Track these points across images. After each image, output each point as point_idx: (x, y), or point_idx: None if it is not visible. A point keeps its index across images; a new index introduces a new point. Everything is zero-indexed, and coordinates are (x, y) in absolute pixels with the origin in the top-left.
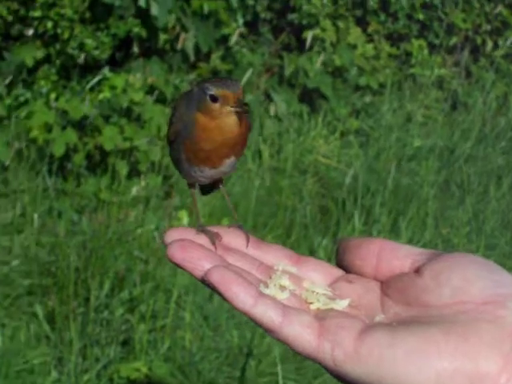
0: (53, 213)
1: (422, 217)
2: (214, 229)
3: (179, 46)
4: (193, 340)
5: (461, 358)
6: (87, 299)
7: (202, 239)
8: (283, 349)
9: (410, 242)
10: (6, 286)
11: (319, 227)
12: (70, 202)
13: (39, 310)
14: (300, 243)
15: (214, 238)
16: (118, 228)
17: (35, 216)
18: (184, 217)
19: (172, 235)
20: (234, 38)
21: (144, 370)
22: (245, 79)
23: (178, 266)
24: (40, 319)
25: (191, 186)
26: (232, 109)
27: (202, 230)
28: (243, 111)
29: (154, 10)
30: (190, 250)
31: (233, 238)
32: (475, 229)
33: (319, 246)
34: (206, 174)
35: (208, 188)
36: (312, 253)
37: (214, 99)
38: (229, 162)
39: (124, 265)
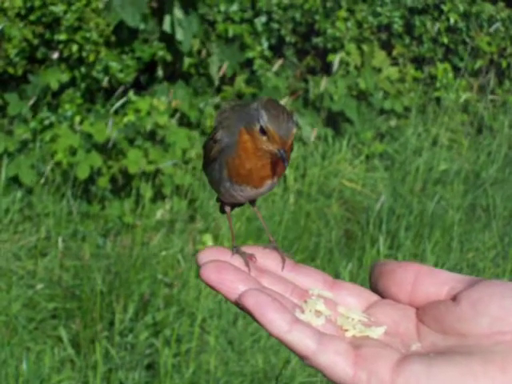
0: (77, 236)
1: (448, 241)
2: (250, 250)
3: (209, 70)
4: (217, 364)
5: None
6: (112, 323)
7: (237, 261)
8: (308, 373)
9: (434, 266)
10: (31, 309)
11: (344, 251)
12: (94, 225)
13: (64, 333)
14: (325, 267)
15: (248, 260)
16: (143, 251)
17: (59, 239)
18: (208, 240)
19: (206, 255)
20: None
21: None
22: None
23: (211, 287)
24: (65, 343)
25: (226, 205)
26: (273, 150)
27: (236, 251)
28: (281, 158)
29: (179, 35)
30: (225, 272)
31: (268, 259)
32: (501, 253)
33: (344, 270)
34: (246, 193)
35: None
36: (337, 277)
37: (263, 132)
38: (269, 183)
39: (148, 288)
